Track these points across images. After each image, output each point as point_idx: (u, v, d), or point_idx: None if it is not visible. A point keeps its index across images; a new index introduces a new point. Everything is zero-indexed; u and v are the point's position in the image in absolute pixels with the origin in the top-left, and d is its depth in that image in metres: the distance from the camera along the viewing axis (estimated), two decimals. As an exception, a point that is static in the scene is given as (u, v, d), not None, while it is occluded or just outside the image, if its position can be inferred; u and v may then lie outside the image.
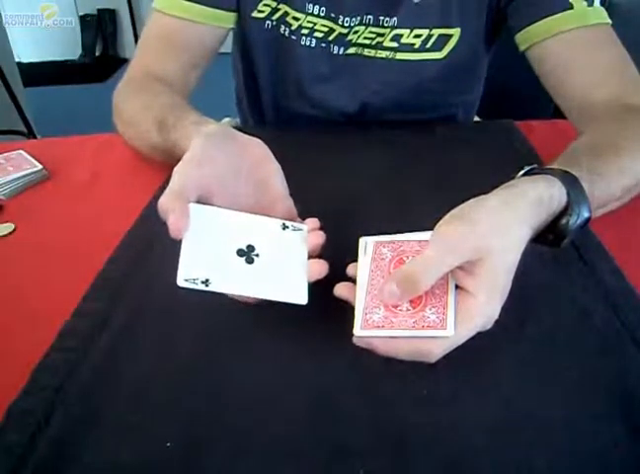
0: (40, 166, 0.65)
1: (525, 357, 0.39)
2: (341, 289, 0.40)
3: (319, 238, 0.43)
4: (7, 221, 0.56)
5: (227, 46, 0.82)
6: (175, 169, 0.41)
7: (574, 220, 0.41)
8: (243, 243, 0.40)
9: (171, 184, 0.40)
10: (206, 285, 0.37)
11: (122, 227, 0.53)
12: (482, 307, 0.36)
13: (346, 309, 0.39)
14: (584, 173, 0.44)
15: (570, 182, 0.42)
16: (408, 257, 0.39)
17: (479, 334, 0.40)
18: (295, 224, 0.44)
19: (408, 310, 0.36)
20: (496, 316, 0.36)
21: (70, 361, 0.39)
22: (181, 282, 0.36)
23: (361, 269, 0.40)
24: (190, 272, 0.37)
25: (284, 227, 0.43)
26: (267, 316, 0.43)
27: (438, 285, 0.36)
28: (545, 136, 0.71)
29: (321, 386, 0.37)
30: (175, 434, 0.34)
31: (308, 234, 0.43)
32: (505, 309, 0.42)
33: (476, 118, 0.97)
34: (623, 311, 0.42)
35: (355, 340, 0.37)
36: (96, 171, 0.66)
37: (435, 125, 0.75)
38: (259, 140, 0.46)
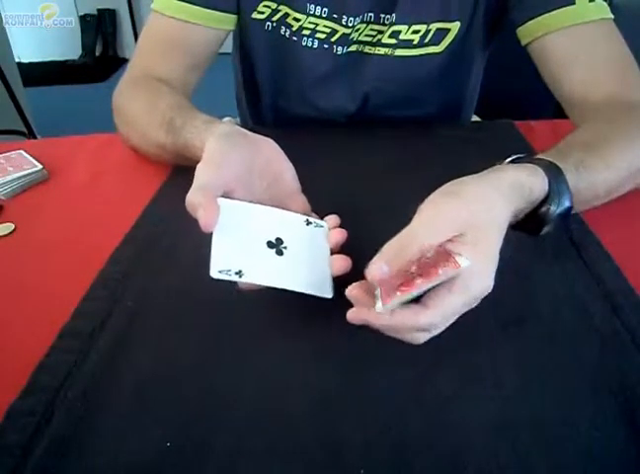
0: (40, 166, 0.64)
1: (525, 357, 0.39)
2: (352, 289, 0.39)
3: (341, 235, 0.44)
4: (7, 221, 0.56)
5: (227, 46, 0.82)
6: (197, 167, 0.42)
7: (554, 209, 0.43)
8: (272, 236, 0.42)
9: (196, 181, 0.41)
10: (240, 276, 0.37)
11: (123, 227, 0.53)
12: (476, 276, 0.36)
13: (347, 309, 0.39)
14: (570, 165, 0.45)
15: (553, 172, 0.43)
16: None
17: (479, 334, 0.41)
18: (317, 221, 0.45)
19: (422, 280, 0.36)
20: (489, 287, 0.37)
21: (70, 362, 0.39)
22: (215, 274, 0.37)
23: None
24: (223, 263, 0.37)
25: (308, 223, 0.45)
26: (267, 315, 0.43)
27: (439, 252, 0.37)
28: (545, 136, 0.71)
29: (321, 386, 0.37)
30: (175, 435, 0.34)
31: (330, 231, 0.45)
32: (505, 309, 0.43)
33: (476, 118, 0.97)
34: (623, 311, 0.42)
35: (350, 316, 0.36)
36: (96, 171, 0.66)
37: (434, 125, 0.75)
38: (270, 139, 0.47)
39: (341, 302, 0.40)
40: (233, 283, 0.45)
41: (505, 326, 0.41)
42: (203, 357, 0.40)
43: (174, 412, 0.35)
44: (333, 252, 0.44)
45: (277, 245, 0.41)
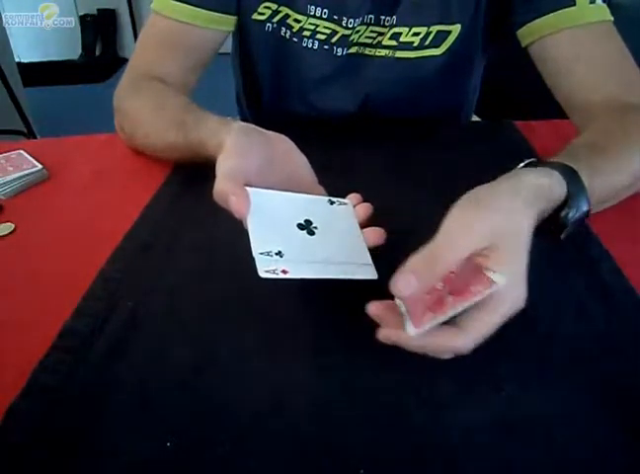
0: (39, 166, 0.64)
1: (525, 357, 0.39)
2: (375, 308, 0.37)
3: (368, 209, 0.46)
4: (7, 221, 0.56)
5: (227, 46, 0.82)
6: (219, 160, 0.44)
7: (573, 213, 0.43)
8: (300, 218, 0.43)
9: (220, 173, 0.42)
10: (281, 256, 0.39)
11: (122, 227, 0.53)
12: (510, 289, 0.35)
13: (347, 310, 0.39)
14: (582, 167, 0.45)
15: (569, 174, 0.43)
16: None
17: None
18: (340, 199, 0.47)
19: (455, 299, 0.35)
20: (523, 297, 0.36)
21: (70, 361, 0.39)
22: (257, 255, 0.38)
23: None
24: (263, 246, 0.38)
25: (331, 203, 0.47)
26: (267, 315, 0.43)
27: (469, 268, 0.35)
28: (545, 136, 0.71)
29: (321, 387, 0.37)
30: (175, 435, 0.34)
31: (356, 207, 0.47)
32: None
33: (476, 118, 0.97)
34: (623, 311, 0.42)
35: (382, 337, 0.35)
36: (96, 171, 0.66)
37: (435, 126, 0.75)
38: (284, 136, 0.49)
39: (341, 302, 0.40)
40: (233, 284, 0.45)
41: (505, 326, 0.41)
42: (203, 357, 0.39)
43: (174, 412, 0.35)
44: (363, 227, 0.45)
45: (307, 226, 0.43)
